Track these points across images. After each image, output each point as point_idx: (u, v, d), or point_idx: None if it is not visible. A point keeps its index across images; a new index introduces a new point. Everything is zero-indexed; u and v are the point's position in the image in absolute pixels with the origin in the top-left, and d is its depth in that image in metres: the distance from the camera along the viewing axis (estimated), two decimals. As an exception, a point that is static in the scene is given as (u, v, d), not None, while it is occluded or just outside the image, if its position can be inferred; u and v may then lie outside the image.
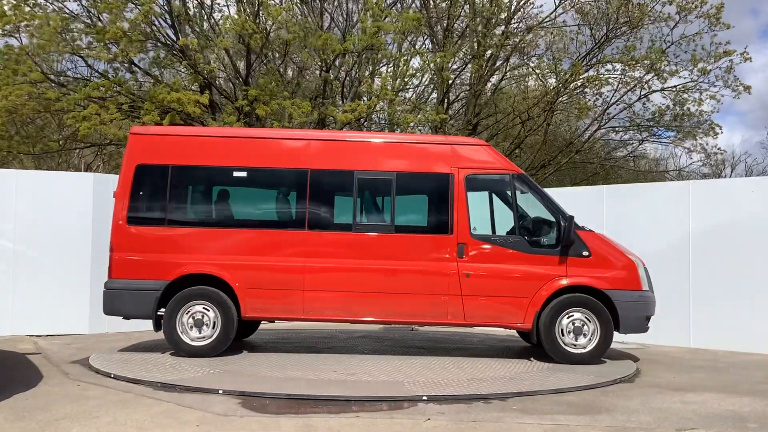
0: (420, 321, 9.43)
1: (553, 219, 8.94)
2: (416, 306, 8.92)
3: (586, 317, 8.80)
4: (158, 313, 8.92)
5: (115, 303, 9.00)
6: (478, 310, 8.88)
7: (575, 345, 8.80)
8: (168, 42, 17.55)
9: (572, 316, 8.80)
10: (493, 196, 9.69)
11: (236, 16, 16.80)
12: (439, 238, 8.96)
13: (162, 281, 8.90)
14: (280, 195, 9.57)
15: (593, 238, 8.98)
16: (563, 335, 8.80)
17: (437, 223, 9.10)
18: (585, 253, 8.82)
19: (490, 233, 9.29)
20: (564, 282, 8.80)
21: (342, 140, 9.66)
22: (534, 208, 9.13)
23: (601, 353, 8.81)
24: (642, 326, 8.94)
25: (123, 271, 8.96)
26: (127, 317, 9.19)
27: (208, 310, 8.96)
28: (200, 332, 8.95)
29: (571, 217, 8.78)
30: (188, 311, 8.96)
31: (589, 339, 8.80)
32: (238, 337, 10.54)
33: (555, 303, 8.78)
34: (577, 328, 8.78)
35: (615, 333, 8.92)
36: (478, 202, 9.36)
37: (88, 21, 17.20)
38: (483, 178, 9.23)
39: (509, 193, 9.09)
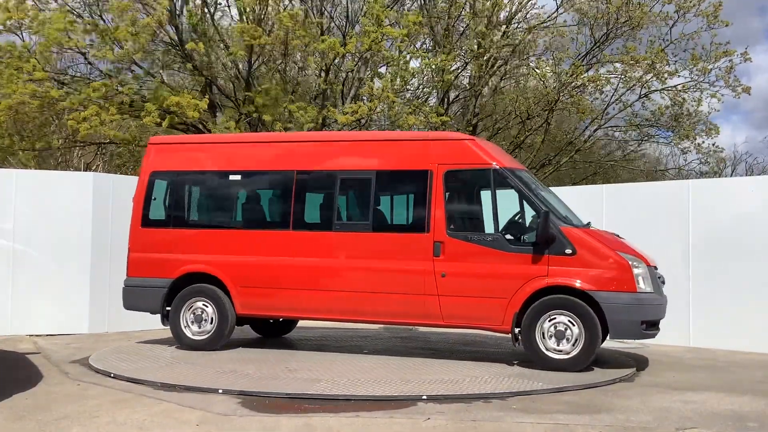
0: (399, 321, 9.30)
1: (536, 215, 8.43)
2: (394, 306, 8.77)
3: (570, 321, 8.16)
4: (167, 309, 9.59)
5: (131, 299, 9.83)
6: (456, 311, 8.56)
7: (558, 350, 8.18)
8: (171, 42, 17.57)
9: (555, 319, 8.19)
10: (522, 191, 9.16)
11: (247, 26, 16.72)
12: (416, 236, 8.74)
13: (168, 279, 9.55)
14: (268, 196, 9.88)
15: (580, 235, 8.29)
16: (545, 339, 8.21)
17: (414, 221, 8.94)
18: (568, 251, 8.16)
19: (468, 231, 8.67)
20: (543, 282, 8.21)
21: (326, 141, 10.07)
22: (521, 205, 8.60)
23: (585, 360, 8.14)
24: (637, 331, 8.26)
25: (138, 270, 9.75)
26: (151, 312, 9.83)
27: (207, 307, 9.50)
28: (200, 327, 9.52)
29: (547, 212, 8.19)
30: (191, 307, 9.55)
31: (573, 344, 8.14)
32: (276, 334, 11.15)
33: (535, 305, 8.23)
34: (559, 332, 8.16)
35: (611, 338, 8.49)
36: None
37: (90, 18, 17.22)
38: (462, 173, 8.79)
39: (489, 188, 8.57)
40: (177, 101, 15.68)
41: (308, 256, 9.10)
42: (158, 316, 9.74)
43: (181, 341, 9.57)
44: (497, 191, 8.52)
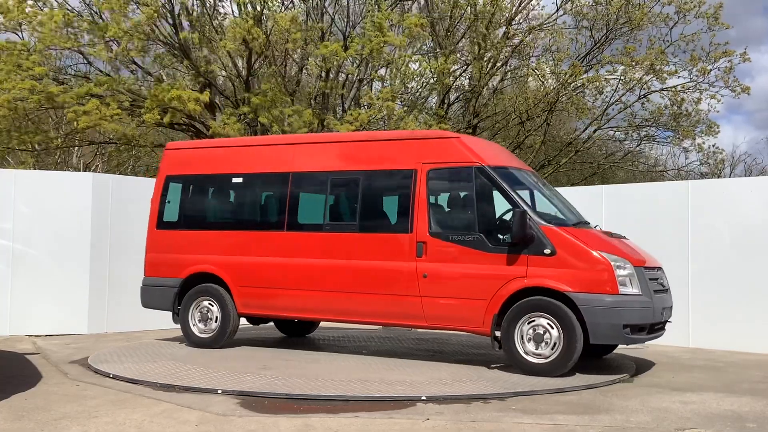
0: (384, 321, 9.34)
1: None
2: (379, 306, 8.75)
3: (549, 323, 7.85)
4: (178, 307, 9.96)
5: (147, 297, 10.26)
6: (437, 312, 8.43)
7: (537, 354, 7.90)
8: (169, 41, 17.56)
9: (534, 321, 7.91)
10: (542, 188, 9.05)
11: (241, 21, 16.71)
12: (400, 236, 8.68)
13: (178, 279, 9.92)
14: (263, 197, 10.05)
15: (561, 234, 7.96)
16: (524, 343, 7.94)
17: (398, 221, 8.84)
18: (547, 251, 7.86)
19: (449, 231, 8.47)
20: (522, 283, 7.95)
21: (321, 142, 10.25)
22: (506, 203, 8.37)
23: (563, 365, 7.80)
24: (618, 335, 7.80)
25: (153, 270, 10.18)
26: (165, 310, 10.16)
27: (212, 306, 9.79)
28: (206, 325, 9.84)
29: (522, 212, 7.90)
30: (198, 306, 9.88)
31: (552, 348, 7.83)
32: (299, 333, 11.31)
33: (514, 307, 7.97)
34: (538, 335, 7.86)
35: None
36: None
37: (90, 18, 17.22)
38: (445, 171, 8.61)
39: (471, 186, 8.36)
40: (178, 95, 15.67)
41: (299, 257, 9.22)
42: (158, 315, 10.08)
43: (189, 339, 9.89)
44: (480, 190, 8.36)
